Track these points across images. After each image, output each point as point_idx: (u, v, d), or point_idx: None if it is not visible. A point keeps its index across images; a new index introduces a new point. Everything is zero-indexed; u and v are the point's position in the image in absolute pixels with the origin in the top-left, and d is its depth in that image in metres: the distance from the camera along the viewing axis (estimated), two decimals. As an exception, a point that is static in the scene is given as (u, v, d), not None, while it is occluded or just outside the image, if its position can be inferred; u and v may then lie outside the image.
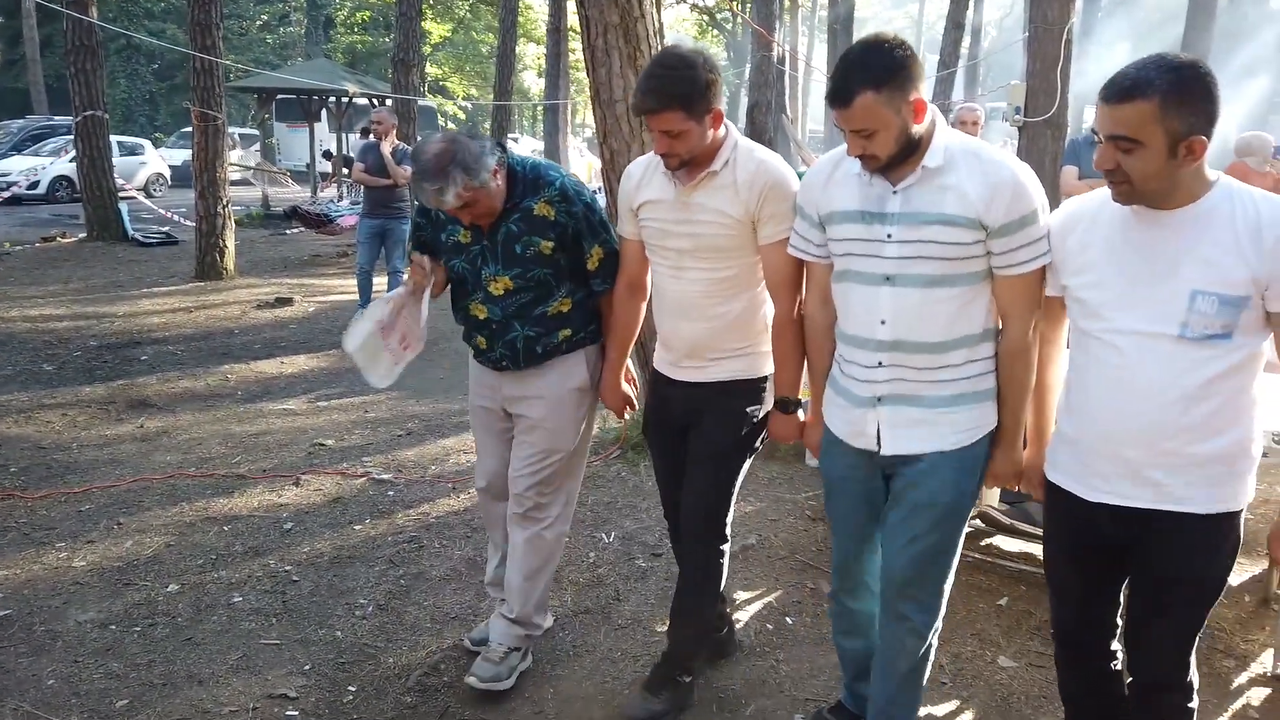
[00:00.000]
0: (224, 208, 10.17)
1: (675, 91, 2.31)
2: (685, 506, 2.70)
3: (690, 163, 2.43)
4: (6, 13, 28.13)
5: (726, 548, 2.73)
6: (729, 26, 41.58)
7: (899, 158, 2.10)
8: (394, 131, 8.02)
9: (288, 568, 3.71)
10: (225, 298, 9.42)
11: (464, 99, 34.43)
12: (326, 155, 20.84)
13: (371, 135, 8.08)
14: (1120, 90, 1.82)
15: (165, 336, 7.68)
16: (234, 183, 10.89)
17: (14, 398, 5.86)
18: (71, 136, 18.15)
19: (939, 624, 2.37)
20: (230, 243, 10.37)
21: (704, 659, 2.95)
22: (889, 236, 2.15)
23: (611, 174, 4.26)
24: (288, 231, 14.81)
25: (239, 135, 28.35)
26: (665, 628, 3.29)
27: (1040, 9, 7.22)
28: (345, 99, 18.26)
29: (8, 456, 4.85)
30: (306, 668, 3.03)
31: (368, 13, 33.90)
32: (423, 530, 4.07)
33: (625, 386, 2.92)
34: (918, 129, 2.08)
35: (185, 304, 9.03)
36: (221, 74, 10.04)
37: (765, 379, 2.64)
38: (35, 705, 2.82)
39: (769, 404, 2.64)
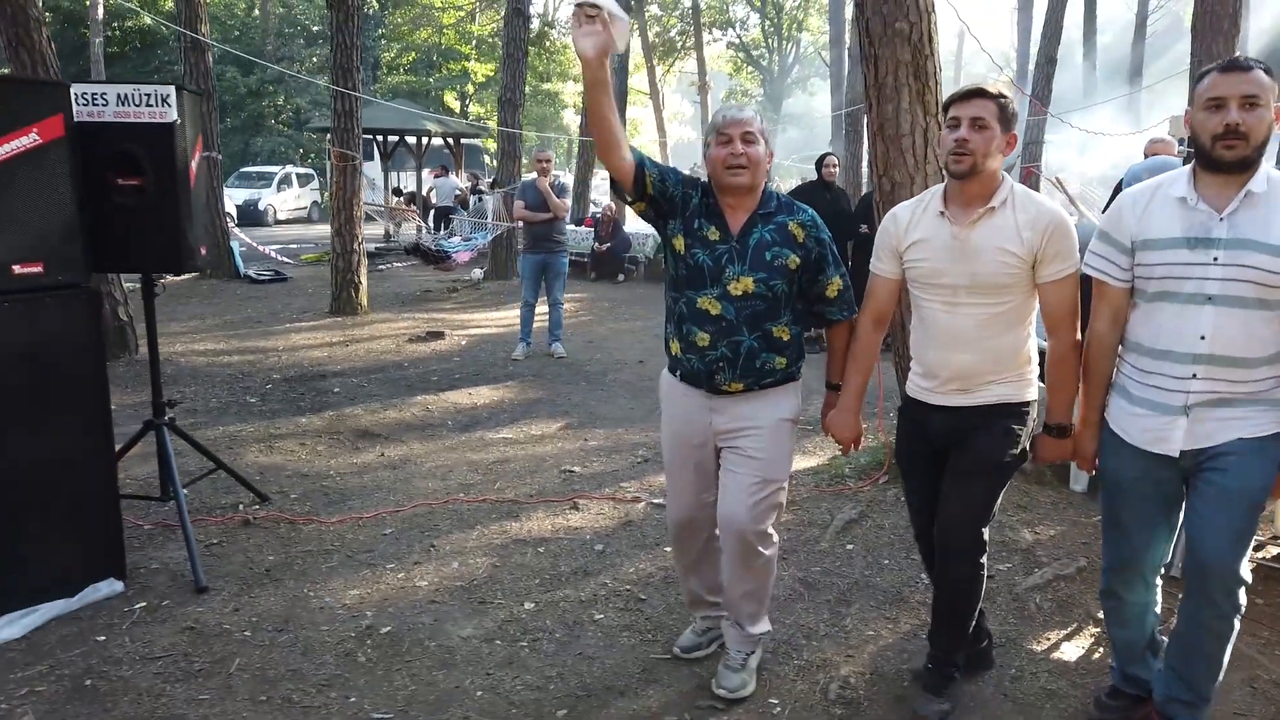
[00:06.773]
0: (359, 244, 10.42)
1: (996, 93, 2.65)
2: (949, 516, 2.79)
3: (970, 175, 2.62)
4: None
5: (985, 559, 2.84)
6: (765, 64, 42.11)
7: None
8: (550, 165, 8.30)
9: (628, 587, 3.81)
10: (369, 332, 9.60)
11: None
12: (397, 193, 21.46)
13: (535, 173, 8.37)
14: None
15: (342, 369, 7.83)
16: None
17: (241, 429, 5.99)
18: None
19: (1243, 605, 2.50)
20: (364, 278, 10.59)
21: (964, 673, 3.03)
22: (1215, 260, 2.37)
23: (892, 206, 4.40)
24: (381, 267, 15.07)
25: (296, 174, 28.90)
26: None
27: (1202, 42, 7.40)
28: (426, 139, 18.66)
29: (280, 484, 4.98)
30: (711, 680, 3.12)
31: (414, 55, 34.74)
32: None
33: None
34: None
35: (335, 338, 9.21)
36: (360, 116, 10.30)
37: (1029, 404, 2.78)
38: (480, 714, 2.92)
39: (1029, 430, 2.78)
